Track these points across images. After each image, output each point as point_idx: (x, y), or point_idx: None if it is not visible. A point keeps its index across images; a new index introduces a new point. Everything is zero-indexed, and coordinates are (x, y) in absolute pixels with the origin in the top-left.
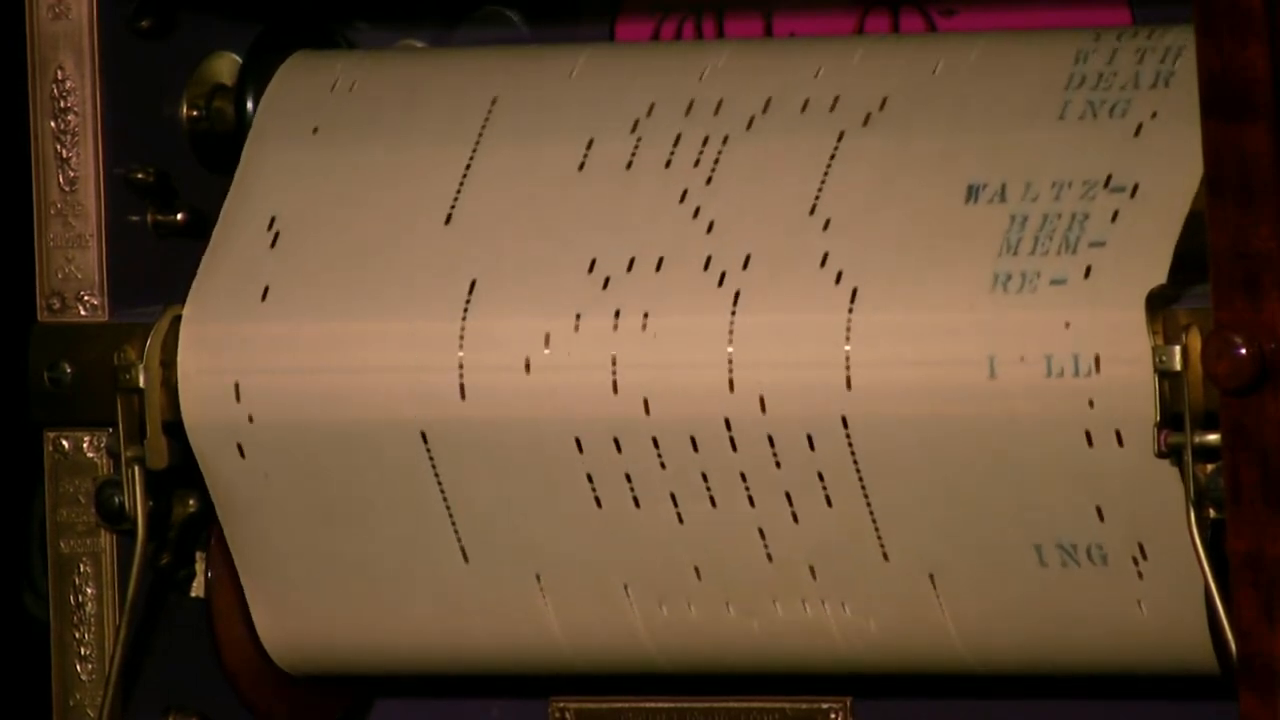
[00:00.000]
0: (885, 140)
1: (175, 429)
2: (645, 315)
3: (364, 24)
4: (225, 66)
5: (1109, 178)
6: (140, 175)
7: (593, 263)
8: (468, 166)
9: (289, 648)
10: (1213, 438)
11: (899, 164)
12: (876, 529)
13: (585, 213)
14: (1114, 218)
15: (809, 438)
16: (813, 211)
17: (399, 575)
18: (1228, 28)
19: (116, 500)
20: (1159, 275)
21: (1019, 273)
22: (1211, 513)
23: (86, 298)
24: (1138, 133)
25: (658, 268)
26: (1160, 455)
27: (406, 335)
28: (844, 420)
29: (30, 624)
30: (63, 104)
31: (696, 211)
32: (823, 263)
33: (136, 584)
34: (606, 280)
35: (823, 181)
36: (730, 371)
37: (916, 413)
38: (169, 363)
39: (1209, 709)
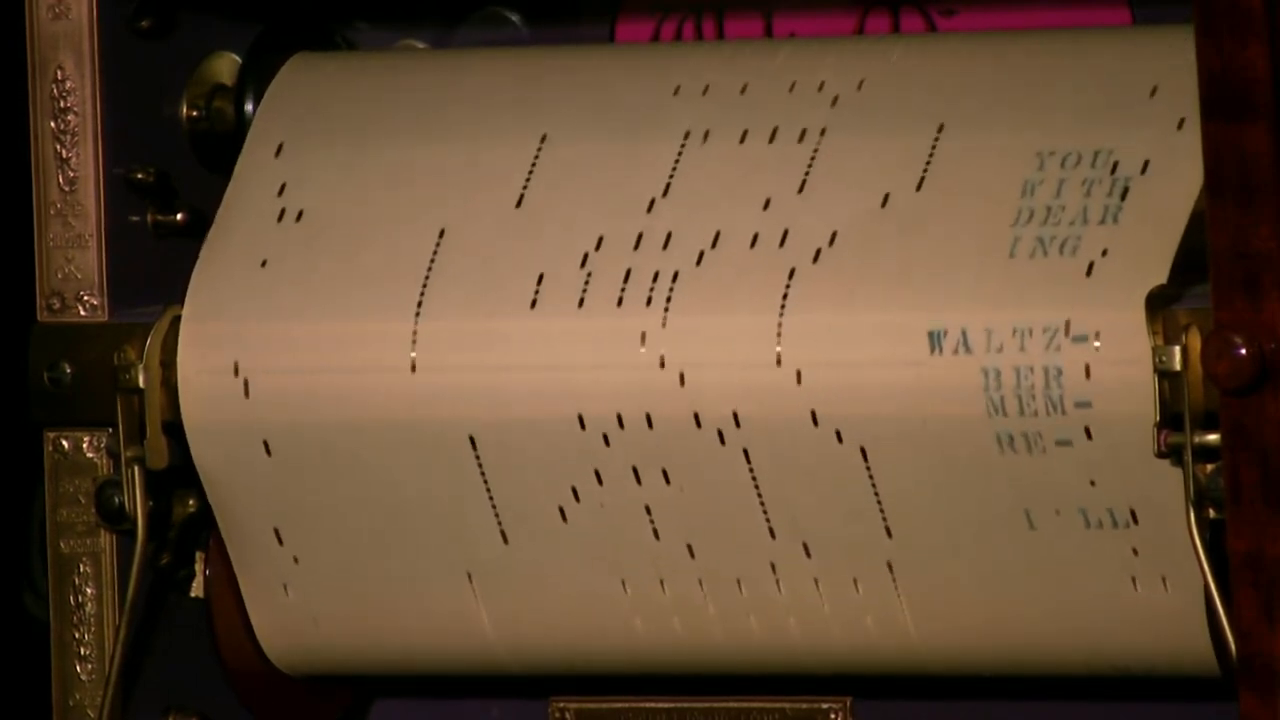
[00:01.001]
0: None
1: (175, 429)
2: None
3: (364, 24)
4: (225, 66)
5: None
6: (140, 175)
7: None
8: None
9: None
10: (1213, 438)
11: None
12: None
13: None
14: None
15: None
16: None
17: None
18: (1228, 28)
19: (116, 500)
20: (1159, 275)
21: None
22: (1211, 513)
23: (86, 298)
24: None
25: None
26: (1160, 455)
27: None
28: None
29: (30, 624)
30: (63, 104)
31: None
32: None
33: (136, 584)
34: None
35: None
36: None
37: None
38: (169, 363)
39: (1209, 709)
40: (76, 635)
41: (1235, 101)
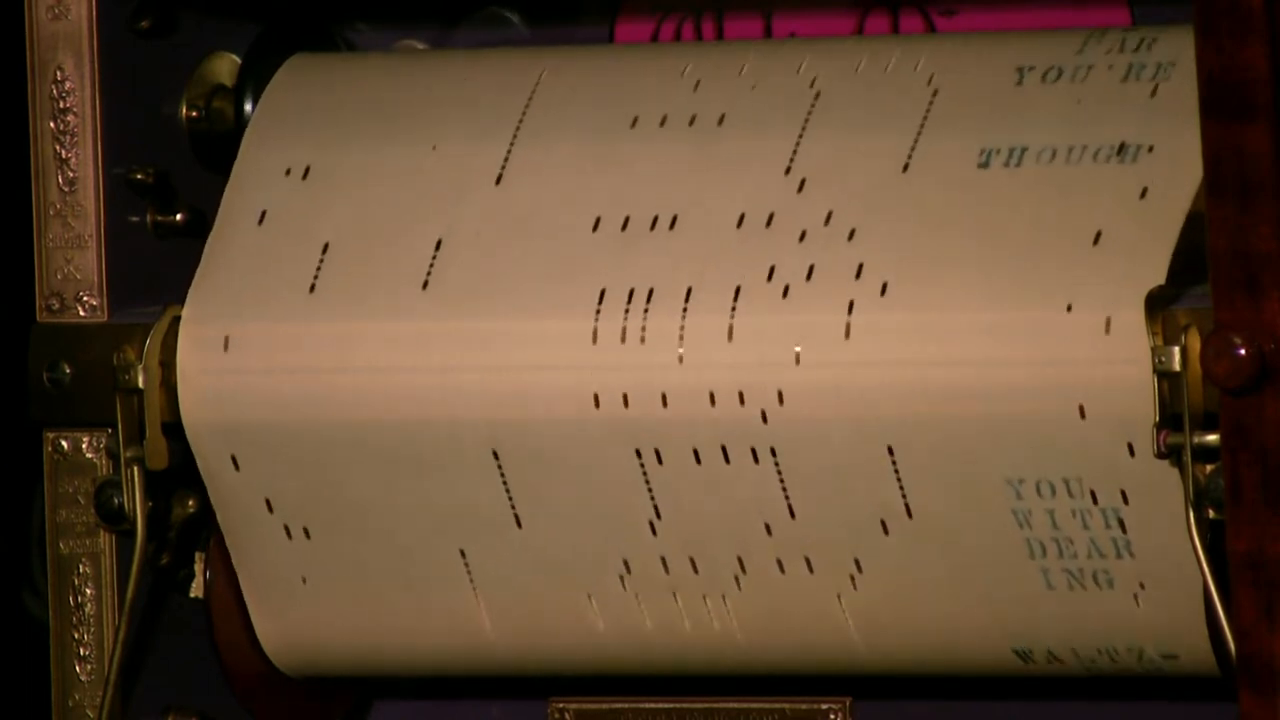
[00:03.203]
0: None
1: (175, 429)
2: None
3: (364, 25)
4: (225, 67)
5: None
6: (140, 175)
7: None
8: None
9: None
10: (1212, 438)
11: None
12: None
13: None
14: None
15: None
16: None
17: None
18: (1228, 28)
19: (116, 501)
20: (1159, 275)
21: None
22: (1211, 513)
23: (86, 298)
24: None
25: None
26: (1160, 455)
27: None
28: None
29: (30, 624)
30: (62, 104)
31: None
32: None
33: (136, 584)
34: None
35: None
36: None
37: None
38: (168, 363)
39: (1209, 709)
40: (76, 635)
41: (1235, 101)
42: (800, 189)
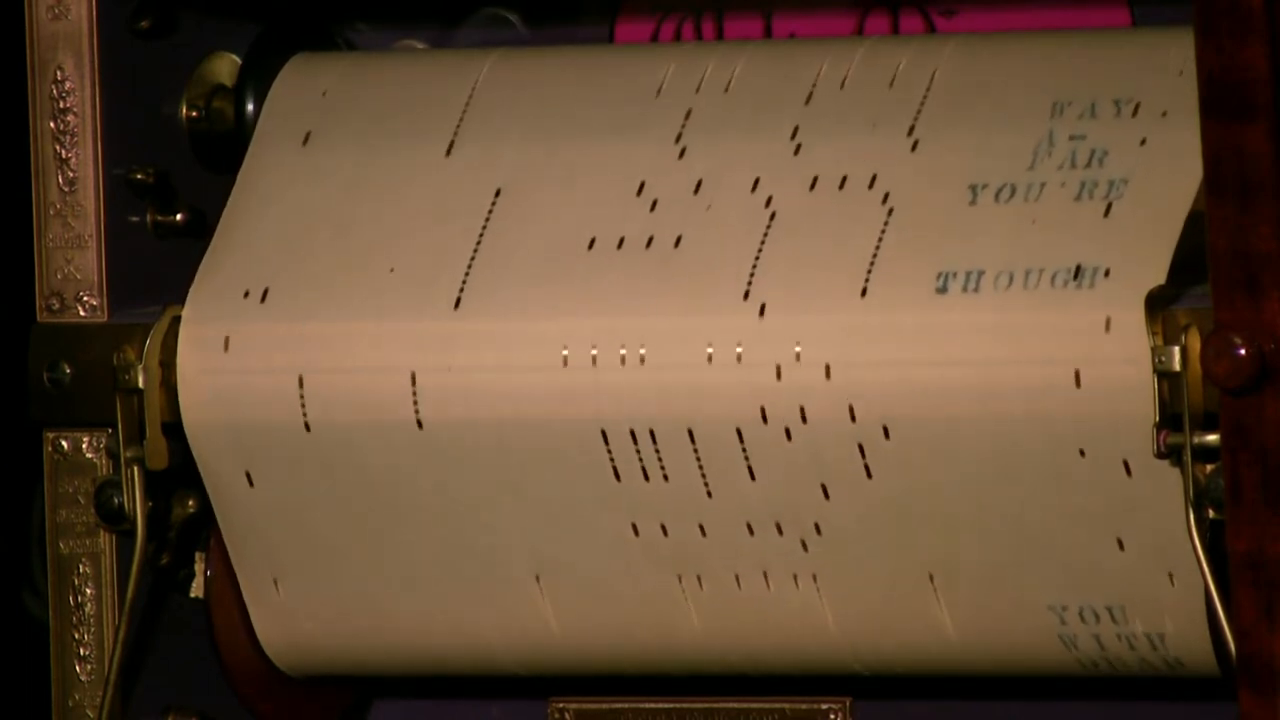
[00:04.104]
0: None
1: (175, 429)
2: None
3: (364, 25)
4: (225, 67)
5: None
6: (140, 175)
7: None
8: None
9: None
10: (1212, 438)
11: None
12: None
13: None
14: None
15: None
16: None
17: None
18: (1228, 28)
19: (116, 500)
20: (1158, 275)
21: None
22: (1211, 513)
23: (86, 298)
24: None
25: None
26: (1160, 456)
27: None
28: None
29: (30, 624)
30: (62, 104)
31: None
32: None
33: (136, 584)
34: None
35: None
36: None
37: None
38: (168, 363)
39: (1209, 709)
40: (76, 635)
41: (1235, 101)
42: (761, 314)
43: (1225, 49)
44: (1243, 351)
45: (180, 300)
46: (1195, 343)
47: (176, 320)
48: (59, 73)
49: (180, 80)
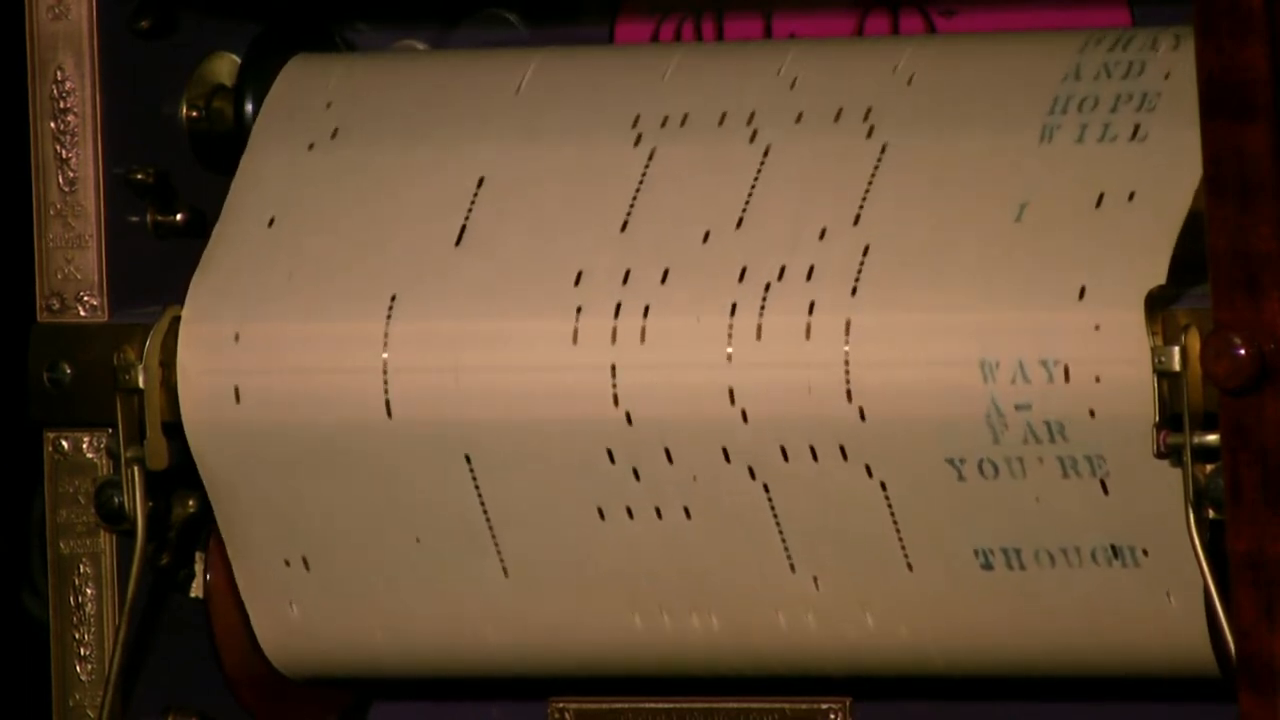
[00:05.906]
0: None
1: (175, 429)
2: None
3: (364, 25)
4: (225, 67)
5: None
6: (140, 175)
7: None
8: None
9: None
10: (1212, 438)
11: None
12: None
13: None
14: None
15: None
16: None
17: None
18: (1228, 28)
19: (116, 500)
20: (1159, 275)
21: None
22: (1211, 513)
23: (86, 298)
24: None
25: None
26: (1160, 456)
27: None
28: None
29: (30, 624)
30: (62, 104)
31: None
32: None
33: (136, 584)
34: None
35: None
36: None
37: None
38: (169, 363)
39: (1209, 709)
40: (76, 635)
41: (1235, 101)
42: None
43: (1225, 49)
44: (1242, 351)
45: (180, 300)
46: (1195, 343)
47: (176, 320)
48: (59, 73)
49: (180, 80)
